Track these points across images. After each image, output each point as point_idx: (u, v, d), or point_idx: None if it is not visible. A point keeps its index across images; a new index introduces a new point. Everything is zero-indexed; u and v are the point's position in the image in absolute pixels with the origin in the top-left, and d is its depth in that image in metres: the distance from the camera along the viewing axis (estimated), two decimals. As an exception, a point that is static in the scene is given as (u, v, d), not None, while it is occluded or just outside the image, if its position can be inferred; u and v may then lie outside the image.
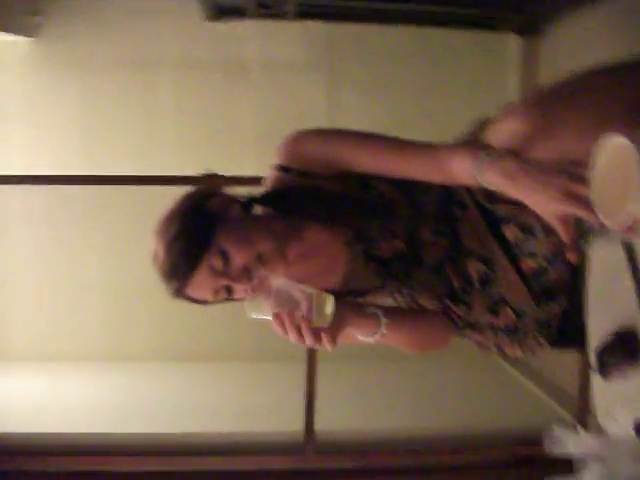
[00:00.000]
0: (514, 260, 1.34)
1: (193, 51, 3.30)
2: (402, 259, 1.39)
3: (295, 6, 2.87)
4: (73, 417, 2.82)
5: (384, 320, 1.26)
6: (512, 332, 1.41)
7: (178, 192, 1.28)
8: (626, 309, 1.15)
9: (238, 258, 1.22)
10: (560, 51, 3.16)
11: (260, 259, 1.22)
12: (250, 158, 3.20)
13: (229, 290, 1.24)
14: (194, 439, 2.65)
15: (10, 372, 3.21)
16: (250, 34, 3.26)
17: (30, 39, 3.23)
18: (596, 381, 1.28)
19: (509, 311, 1.39)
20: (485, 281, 1.36)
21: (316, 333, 1.15)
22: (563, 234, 1.07)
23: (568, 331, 1.48)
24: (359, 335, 1.29)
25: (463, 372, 3.29)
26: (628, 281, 1.15)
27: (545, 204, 1.04)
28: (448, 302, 1.42)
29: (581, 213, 0.99)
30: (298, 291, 1.15)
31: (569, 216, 1.03)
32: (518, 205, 1.27)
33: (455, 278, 1.40)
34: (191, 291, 1.24)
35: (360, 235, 1.37)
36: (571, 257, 1.09)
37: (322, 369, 2.48)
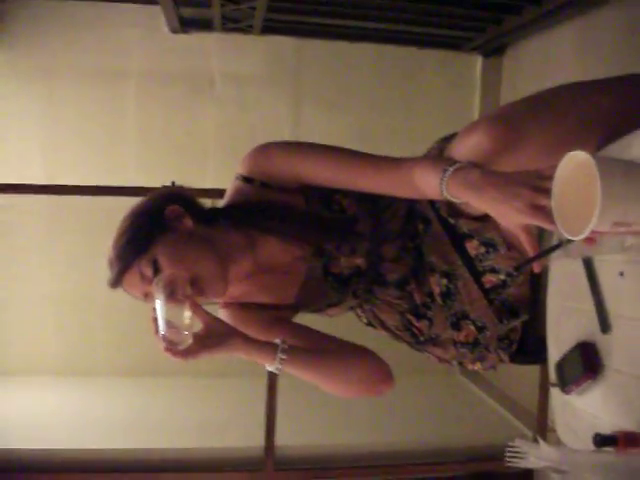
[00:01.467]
0: (476, 275, 1.35)
1: (158, 63, 3.28)
2: (362, 276, 1.39)
3: (261, 21, 2.87)
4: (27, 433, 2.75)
5: (280, 356, 1.24)
6: (473, 347, 1.42)
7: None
8: (586, 324, 1.17)
9: (168, 271, 1.23)
10: (522, 72, 3.22)
11: (193, 280, 1.23)
12: (213, 171, 3.20)
13: None
14: (151, 455, 2.59)
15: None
16: (215, 47, 3.25)
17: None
18: (556, 395, 1.29)
19: (470, 326, 1.40)
20: (447, 296, 1.37)
21: (171, 351, 1.18)
22: (527, 244, 1.08)
23: (528, 345, 1.50)
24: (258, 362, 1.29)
25: (424, 388, 3.30)
26: (587, 296, 1.17)
27: (509, 215, 1.04)
28: (410, 317, 1.43)
29: (544, 225, 1.00)
30: (159, 311, 1.19)
31: (532, 227, 1.04)
32: (481, 220, 1.30)
33: (417, 294, 1.41)
34: (126, 287, 1.27)
35: (319, 251, 1.37)
36: (535, 267, 1.10)
37: (283, 384, 2.46)
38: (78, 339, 3.34)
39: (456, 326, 1.40)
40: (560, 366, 1.24)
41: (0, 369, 3.22)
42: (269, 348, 1.26)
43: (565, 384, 1.22)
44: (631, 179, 0.92)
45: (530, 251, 1.09)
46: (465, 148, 1.17)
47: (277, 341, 1.27)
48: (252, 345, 1.25)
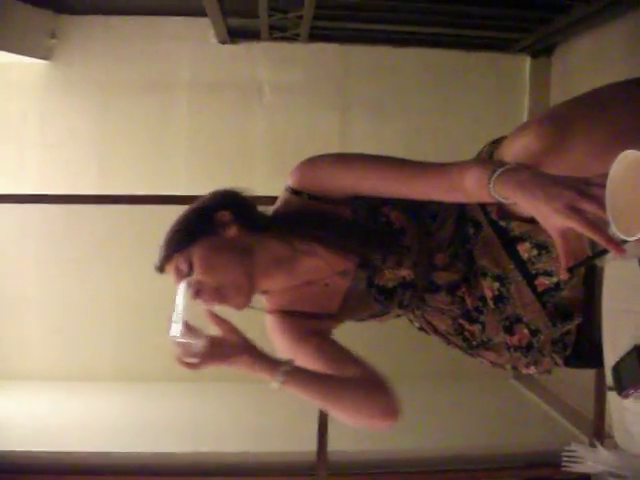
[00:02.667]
0: (529, 278, 1.33)
1: (206, 73, 3.34)
2: (408, 287, 1.39)
3: (308, 29, 2.90)
4: (77, 435, 2.82)
5: (280, 378, 1.24)
6: (527, 350, 1.39)
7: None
8: (643, 327, 1.15)
9: (198, 275, 1.28)
10: (571, 72, 3.17)
11: (218, 288, 1.28)
12: (262, 179, 3.22)
13: None
14: (205, 459, 2.63)
15: (11, 391, 3.22)
16: (263, 56, 3.29)
17: (45, 62, 3.28)
18: (613, 399, 1.26)
19: (524, 329, 1.37)
20: (499, 300, 1.35)
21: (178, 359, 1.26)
22: (560, 250, 1.06)
23: (583, 349, 1.47)
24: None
25: (477, 393, 3.27)
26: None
27: (548, 216, 1.02)
28: (462, 322, 1.42)
29: (580, 228, 0.97)
30: (178, 313, 1.24)
31: (570, 232, 1.02)
32: (533, 222, 1.28)
33: (469, 298, 1.39)
34: (168, 273, 1.32)
35: (364, 262, 1.38)
36: (562, 274, 1.08)
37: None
38: (132, 346, 3.40)
39: (509, 330, 1.38)
40: (617, 369, 1.22)
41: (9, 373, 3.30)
42: (272, 367, 1.25)
43: (623, 388, 1.19)
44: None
45: (563, 258, 1.07)
46: (515, 149, 1.17)
47: (283, 361, 1.27)
48: (258, 363, 1.26)
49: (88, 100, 3.32)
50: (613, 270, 1.26)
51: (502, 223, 1.31)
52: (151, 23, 3.27)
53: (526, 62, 3.41)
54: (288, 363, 1.26)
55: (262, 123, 3.30)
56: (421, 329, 1.51)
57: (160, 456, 2.63)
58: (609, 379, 1.26)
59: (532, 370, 1.48)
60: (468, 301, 1.39)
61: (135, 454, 2.63)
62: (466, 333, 1.42)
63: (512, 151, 1.18)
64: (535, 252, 1.31)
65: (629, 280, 1.19)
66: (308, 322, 1.39)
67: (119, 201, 2.62)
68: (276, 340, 1.39)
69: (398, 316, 1.48)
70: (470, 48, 3.25)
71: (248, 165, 3.31)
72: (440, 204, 1.34)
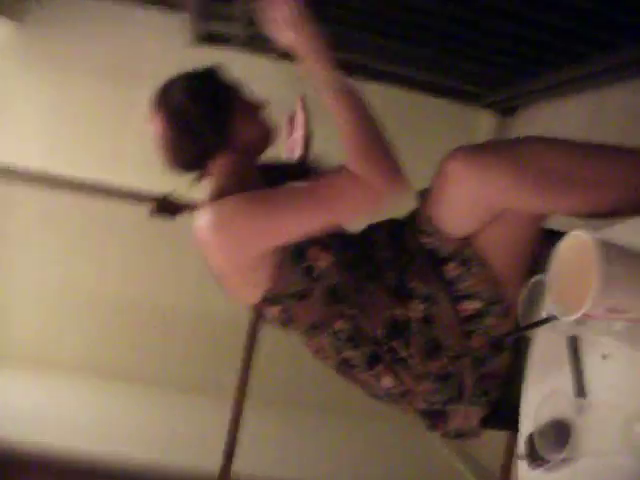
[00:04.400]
0: (453, 301, 1.35)
1: (173, 71, 3.26)
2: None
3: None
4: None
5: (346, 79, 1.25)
6: (444, 380, 1.39)
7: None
8: (563, 404, 1.15)
9: None
10: (531, 133, 3.22)
11: None
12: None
13: None
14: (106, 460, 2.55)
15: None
16: (234, 64, 3.23)
17: (16, 22, 3.18)
18: (522, 468, 1.27)
19: (444, 357, 1.37)
20: (425, 320, 1.36)
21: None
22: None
23: (501, 410, 1.48)
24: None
25: (390, 436, 3.26)
26: (568, 376, 1.15)
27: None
28: (387, 333, 1.39)
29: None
30: None
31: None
32: (460, 240, 1.33)
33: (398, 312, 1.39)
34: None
35: None
36: None
37: (250, 410, 2.43)
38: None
39: (430, 355, 1.38)
40: (531, 440, 1.22)
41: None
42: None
43: (534, 459, 1.19)
44: (630, 268, 0.91)
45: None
46: (440, 177, 1.29)
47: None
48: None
49: (46, 72, 3.25)
50: (541, 341, 1.27)
51: (429, 243, 1.35)
52: (126, 11, 3.21)
53: (489, 118, 3.47)
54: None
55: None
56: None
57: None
58: (521, 447, 1.26)
59: (448, 425, 1.47)
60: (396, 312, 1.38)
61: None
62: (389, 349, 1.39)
63: (436, 177, 1.31)
64: (459, 271, 1.34)
65: (555, 353, 1.19)
66: None
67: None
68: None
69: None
70: (436, 94, 3.27)
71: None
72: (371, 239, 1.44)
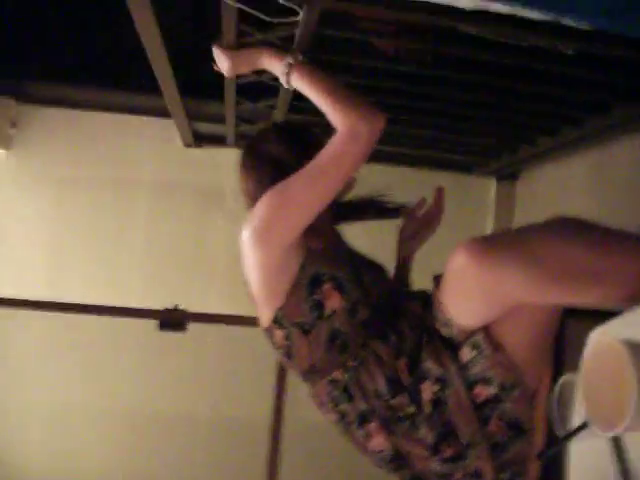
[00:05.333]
0: (467, 385, 1.31)
1: (170, 175, 3.26)
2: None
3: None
4: None
5: (291, 60, 1.45)
6: (456, 460, 1.33)
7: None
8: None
9: None
10: (535, 197, 3.19)
11: None
12: (219, 286, 3.11)
13: None
14: None
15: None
16: (229, 162, 3.22)
17: (4, 151, 3.18)
18: None
19: (455, 445, 1.32)
20: (437, 403, 1.32)
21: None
22: None
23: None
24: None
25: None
26: (612, 476, 1.05)
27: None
28: (389, 389, 1.35)
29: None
30: None
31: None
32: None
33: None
34: None
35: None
36: None
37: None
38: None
39: (446, 438, 1.32)
40: None
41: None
42: (283, 53, 1.49)
43: None
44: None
45: None
46: (449, 270, 1.28)
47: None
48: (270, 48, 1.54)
49: (43, 192, 3.20)
50: (580, 445, 1.17)
51: (444, 331, 1.34)
52: (115, 120, 3.20)
53: (491, 185, 3.43)
54: (298, 54, 1.47)
55: (222, 231, 3.20)
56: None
57: None
58: None
59: None
60: (404, 379, 1.35)
61: None
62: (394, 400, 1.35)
63: (447, 268, 1.30)
64: (473, 354, 1.30)
65: (598, 455, 1.10)
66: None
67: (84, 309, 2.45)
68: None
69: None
70: (436, 168, 3.25)
71: (206, 273, 3.19)
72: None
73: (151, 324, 2.65)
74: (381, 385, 1.34)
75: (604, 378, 0.88)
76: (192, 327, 2.60)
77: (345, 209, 1.64)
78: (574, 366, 1.32)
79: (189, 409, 3.19)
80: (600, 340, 0.87)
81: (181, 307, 2.65)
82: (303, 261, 1.40)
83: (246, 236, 1.39)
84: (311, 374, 1.43)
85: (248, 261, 1.43)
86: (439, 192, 1.80)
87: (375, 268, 1.57)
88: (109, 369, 3.13)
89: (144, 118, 3.20)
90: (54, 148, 3.21)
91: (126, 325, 2.76)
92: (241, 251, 1.44)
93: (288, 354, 1.45)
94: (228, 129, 2.83)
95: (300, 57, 1.45)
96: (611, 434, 0.82)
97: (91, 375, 3.15)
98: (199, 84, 2.54)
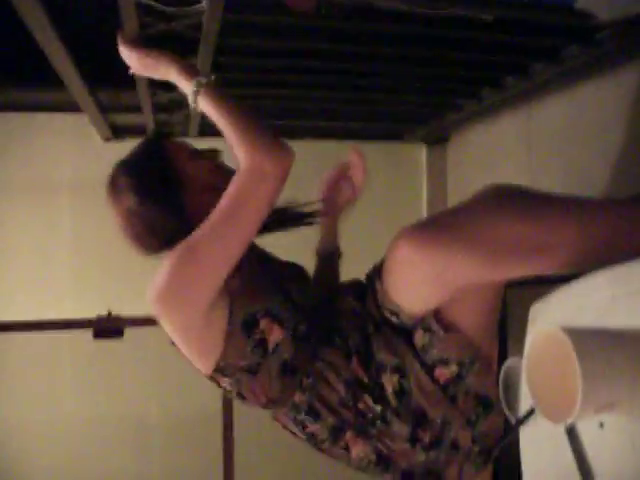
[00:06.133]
0: (427, 369, 1.29)
1: (92, 172, 3.08)
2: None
3: (198, 125, 2.77)
4: None
5: (203, 80, 1.29)
6: (437, 446, 1.31)
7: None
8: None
9: None
10: (467, 159, 3.19)
11: None
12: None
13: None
14: None
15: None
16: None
17: None
18: None
19: (433, 424, 1.30)
20: (401, 393, 1.30)
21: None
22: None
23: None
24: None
25: None
26: (566, 451, 1.05)
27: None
28: (353, 394, 1.31)
29: None
30: None
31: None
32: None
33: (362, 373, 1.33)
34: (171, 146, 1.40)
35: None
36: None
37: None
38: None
39: (419, 424, 1.31)
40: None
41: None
42: (195, 71, 1.34)
43: None
44: (611, 356, 0.80)
45: None
46: (389, 261, 1.25)
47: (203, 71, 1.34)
48: (181, 62, 1.35)
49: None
50: (533, 429, 1.16)
51: (394, 320, 1.31)
52: (28, 119, 3.03)
53: (422, 150, 3.42)
54: (209, 73, 1.32)
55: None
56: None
57: None
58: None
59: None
60: (362, 376, 1.32)
61: None
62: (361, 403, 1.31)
63: (387, 261, 1.26)
64: (427, 337, 1.29)
65: (548, 432, 1.09)
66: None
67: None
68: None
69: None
70: (365, 139, 3.21)
71: (138, 275, 3.07)
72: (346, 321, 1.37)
73: (88, 333, 2.56)
74: (342, 392, 1.31)
75: (549, 366, 0.86)
76: (131, 332, 2.52)
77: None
78: (517, 338, 1.32)
79: (139, 413, 3.11)
80: (543, 328, 0.85)
81: (115, 313, 2.56)
82: (229, 308, 1.28)
83: (153, 301, 1.24)
84: (272, 405, 1.36)
85: (164, 326, 1.29)
86: (356, 155, 1.72)
87: (297, 274, 1.49)
88: (50, 383, 3.02)
89: (58, 114, 3.04)
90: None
91: (62, 336, 2.64)
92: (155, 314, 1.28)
93: (240, 396, 1.37)
94: (146, 119, 2.72)
95: (212, 77, 1.31)
96: (559, 424, 0.80)
97: (34, 390, 3.03)
98: (111, 72, 2.41)
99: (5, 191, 3.06)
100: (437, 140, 3.32)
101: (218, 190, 1.28)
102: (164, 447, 3.10)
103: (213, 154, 1.42)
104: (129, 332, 2.50)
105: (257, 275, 1.37)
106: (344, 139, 3.19)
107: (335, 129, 3.09)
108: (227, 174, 1.31)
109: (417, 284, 1.23)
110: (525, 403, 1.12)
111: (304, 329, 1.33)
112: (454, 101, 2.51)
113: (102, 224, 3.02)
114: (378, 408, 1.30)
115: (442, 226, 1.23)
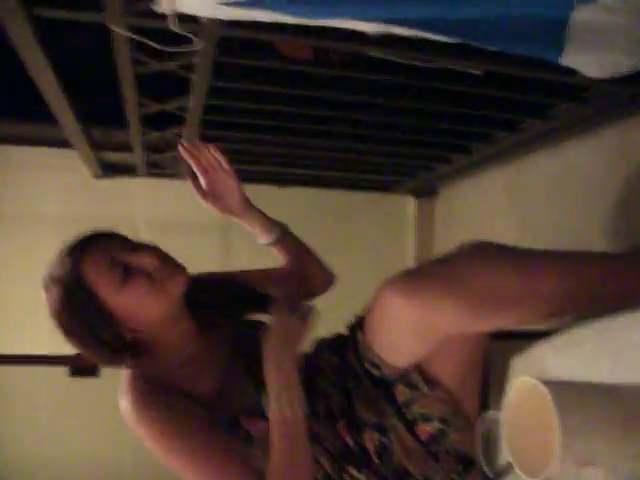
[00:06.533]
0: (408, 425, 1.26)
1: (79, 208, 3.11)
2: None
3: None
4: None
5: (277, 235, 1.52)
6: None
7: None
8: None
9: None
10: (455, 213, 3.21)
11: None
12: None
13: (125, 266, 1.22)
14: None
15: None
16: (140, 192, 3.12)
17: None
18: None
19: None
20: (383, 452, 1.26)
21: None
22: None
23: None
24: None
25: None
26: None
27: None
28: (344, 464, 1.27)
29: None
30: None
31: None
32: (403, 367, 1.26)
33: (349, 439, 1.28)
34: (87, 266, 1.22)
35: (244, 350, 1.36)
36: None
37: None
38: None
39: None
40: None
41: None
42: (270, 222, 1.62)
43: None
44: (590, 411, 0.78)
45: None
46: (376, 311, 1.24)
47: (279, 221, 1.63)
48: (256, 211, 1.58)
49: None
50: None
51: (375, 372, 1.28)
52: (17, 154, 3.02)
53: (410, 203, 3.43)
54: (284, 224, 1.52)
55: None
56: None
57: None
58: None
59: None
60: (349, 442, 1.28)
61: None
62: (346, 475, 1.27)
63: (371, 312, 1.26)
64: (409, 393, 1.26)
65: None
66: (183, 398, 1.24)
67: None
68: (147, 405, 1.21)
69: None
70: (355, 188, 3.23)
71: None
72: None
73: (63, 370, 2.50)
74: (327, 467, 1.26)
75: (528, 419, 0.84)
76: (107, 371, 2.47)
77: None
78: (498, 391, 1.30)
79: (113, 459, 3.03)
80: (523, 381, 0.83)
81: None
82: (209, 421, 1.23)
83: (126, 417, 1.22)
84: None
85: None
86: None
87: (259, 342, 1.39)
88: (24, 419, 2.94)
89: (48, 149, 3.04)
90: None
91: (38, 372, 2.59)
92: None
93: None
94: (137, 159, 2.72)
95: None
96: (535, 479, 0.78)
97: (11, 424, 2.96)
98: (102, 111, 2.42)
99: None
100: (425, 193, 3.34)
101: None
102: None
103: (154, 252, 1.30)
104: (107, 372, 2.45)
105: (228, 370, 1.33)
106: (333, 188, 3.21)
107: (324, 178, 3.10)
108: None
109: (401, 333, 1.21)
110: (504, 457, 1.09)
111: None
112: (444, 154, 2.53)
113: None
114: (363, 477, 1.26)
115: (427, 274, 1.21)
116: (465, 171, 2.80)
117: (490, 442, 1.13)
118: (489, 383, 1.82)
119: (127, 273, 1.22)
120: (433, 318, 1.15)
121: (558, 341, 1.12)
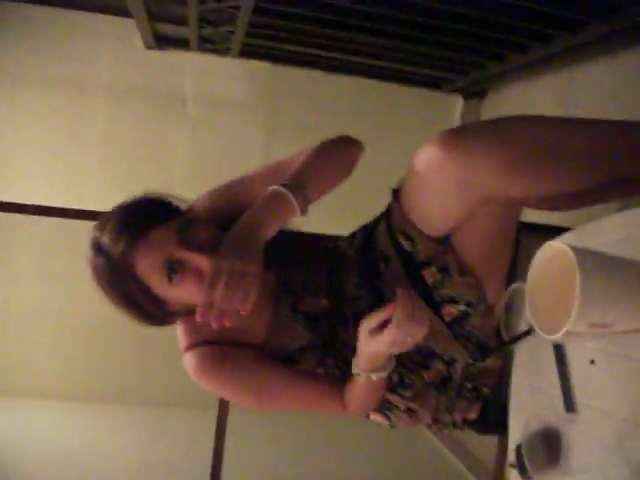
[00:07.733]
0: (435, 306, 1.30)
1: (129, 77, 3.16)
2: (328, 317, 1.36)
3: (239, 45, 2.78)
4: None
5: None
6: (444, 386, 1.37)
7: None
8: (551, 407, 1.09)
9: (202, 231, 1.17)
10: (501, 114, 3.17)
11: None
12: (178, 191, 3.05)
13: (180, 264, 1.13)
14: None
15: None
16: (190, 66, 3.14)
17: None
18: (514, 476, 1.22)
19: (439, 363, 1.35)
20: None
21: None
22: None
23: (490, 413, 1.44)
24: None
25: (383, 437, 3.19)
26: (554, 378, 1.09)
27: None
28: None
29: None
30: None
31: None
32: (439, 243, 1.27)
33: None
34: (139, 256, 1.12)
35: (286, 288, 1.36)
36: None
37: (235, 421, 2.35)
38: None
39: (424, 365, 1.36)
40: (520, 449, 1.17)
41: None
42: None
43: (525, 469, 1.14)
44: (611, 277, 0.84)
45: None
46: (415, 166, 1.20)
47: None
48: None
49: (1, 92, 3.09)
50: (524, 346, 1.21)
51: (407, 247, 1.28)
52: (73, 18, 3.05)
53: (458, 102, 3.40)
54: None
55: (183, 134, 3.14)
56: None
57: None
58: (512, 456, 1.21)
59: (447, 419, 1.43)
60: None
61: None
62: None
63: (409, 171, 1.22)
64: (439, 277, 1.28)
65: (540, 358, 1.14)
66: (241, 350, 1.32)
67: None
68: (212, 377, 1.31)
69: (321, 364, 1.40)
70: (404, 82, 3.20)
71: (165, 176, 3.13)
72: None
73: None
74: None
75: (551, 284, 0.89)
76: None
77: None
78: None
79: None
80: (549, 245, 0.88)
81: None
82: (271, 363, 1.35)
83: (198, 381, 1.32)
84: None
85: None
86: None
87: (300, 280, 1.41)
88: (65, 273, 3.10)
89: (103, 16, 3.06)
90: (8, 45, 3.06)
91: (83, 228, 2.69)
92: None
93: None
94: (191, 32, 2.73)
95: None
96: (554, 337, 0.84)
97: (47, 278, 3.12)
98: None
99: (40, 86, 3.11)
100: (474, 94, 3.30)
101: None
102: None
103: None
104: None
105: (279, 315, 1.38)
106: (382, 79, 3.19)
107: (372, 68, 3.08)
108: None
109: (443, 189, 1.18)
110: (522, 327, 1.16)
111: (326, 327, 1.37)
112: (498, 51, 2.49)
113: (134, 130, 3.14)
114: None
115: (466, 129, 1.22)
116: (516, 73, 2.75)
117: (512, 312, 1.19)
118: (515, 277, 1.89)
119: (180, 269, 1.14)
120: (471, 171, 1.14)
121: (588, 229, 1.13)
